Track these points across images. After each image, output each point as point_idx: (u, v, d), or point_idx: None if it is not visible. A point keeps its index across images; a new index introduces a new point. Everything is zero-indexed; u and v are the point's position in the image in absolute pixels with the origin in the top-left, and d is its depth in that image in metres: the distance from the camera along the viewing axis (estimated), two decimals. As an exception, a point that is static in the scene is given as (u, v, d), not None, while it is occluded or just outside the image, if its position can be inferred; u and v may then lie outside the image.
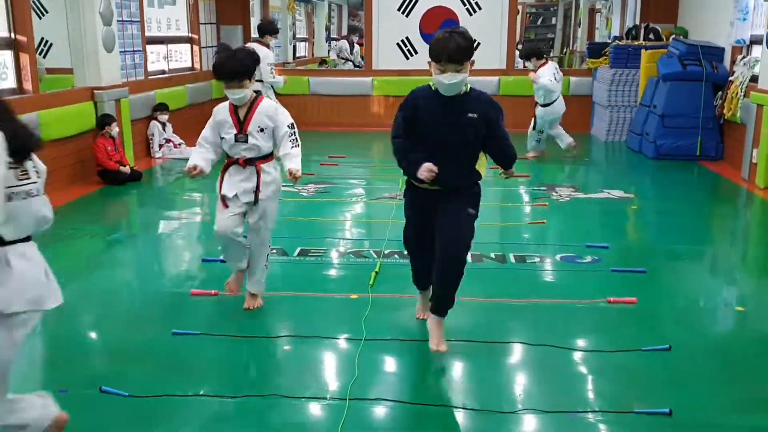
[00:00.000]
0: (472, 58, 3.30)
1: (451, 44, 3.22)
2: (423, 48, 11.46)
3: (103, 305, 4.39)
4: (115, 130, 7.61)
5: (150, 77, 9.35)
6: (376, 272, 4.73)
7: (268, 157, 3.98)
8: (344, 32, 20.34)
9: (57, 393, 3.17)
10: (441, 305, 3.53)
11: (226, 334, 3.80)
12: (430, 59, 3.30)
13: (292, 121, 3.98)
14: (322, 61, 16.98)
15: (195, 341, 3.75)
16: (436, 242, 3.44)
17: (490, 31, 11.40)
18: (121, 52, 8.31)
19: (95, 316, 4.25)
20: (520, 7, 12.24)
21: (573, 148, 9.05)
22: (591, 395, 3.24)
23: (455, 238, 3.40)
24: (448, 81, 3.26)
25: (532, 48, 9.07)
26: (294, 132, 3.95)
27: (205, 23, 11.07)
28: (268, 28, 9.04)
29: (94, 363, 3.59)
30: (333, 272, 4.94)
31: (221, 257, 5.06)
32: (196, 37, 10.83)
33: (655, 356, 3.60)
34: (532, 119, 8.96)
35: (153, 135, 9.07)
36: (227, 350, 3.67)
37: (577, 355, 3.61)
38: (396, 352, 3.65)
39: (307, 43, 18.00)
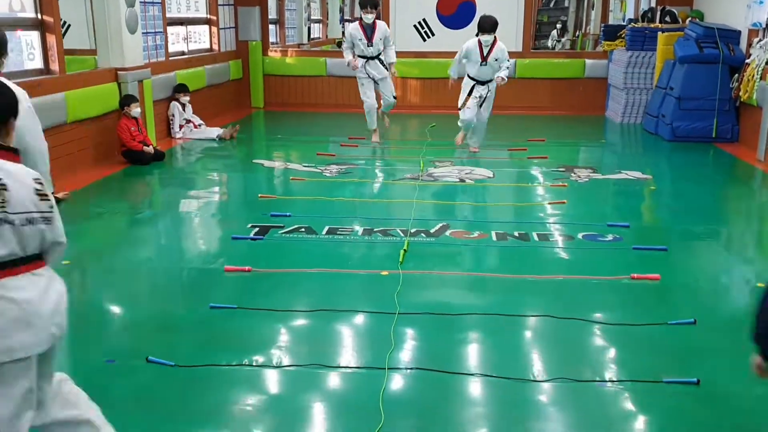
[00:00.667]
0: None
1: None
2: (440, 30, 11.50)
3: (139, 281, 4.53)
4: (135, 110, 7.67)
5: (170, 58, 9.44)
6: (404, 250, 4.84)
7: (29, 262, 2.16)
8: (357, 14, 20.30)
9: (104, 363, 3.34)
10: None
11: (263, 308, 3.92)
12: None
13: (36, 174, 2.24)
14: (339, 43, 16.95)
15: (233, 315, 3.87)
16: None
17: (506, 14, 11.37)
18: (143, 33, 8.39)
19: (131, 291, 4.38)
20: (534, -11, 12.23)
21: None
22: (621, 366, 3.34)
23: None
24: None
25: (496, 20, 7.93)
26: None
27: (223, 4, 11.14)
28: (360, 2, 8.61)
29: (138, 335, 3.70)
30: (362, 250, 5.05)
31: (251, 235, 5.20)
32: (214, 18, 10.90)
33: (680, 329, 3.70)
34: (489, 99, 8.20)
35: (173, 116, 9.18)
36: (265, 324, 3.79)
37: (605, 329, 3.72)
38: (430, 324, 3.77)
39: (321, 25, 18.02)
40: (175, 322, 3.87)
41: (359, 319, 3.86)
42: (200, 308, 3.97)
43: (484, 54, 7.87)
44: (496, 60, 7.87)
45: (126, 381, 3.22)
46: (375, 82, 8.66)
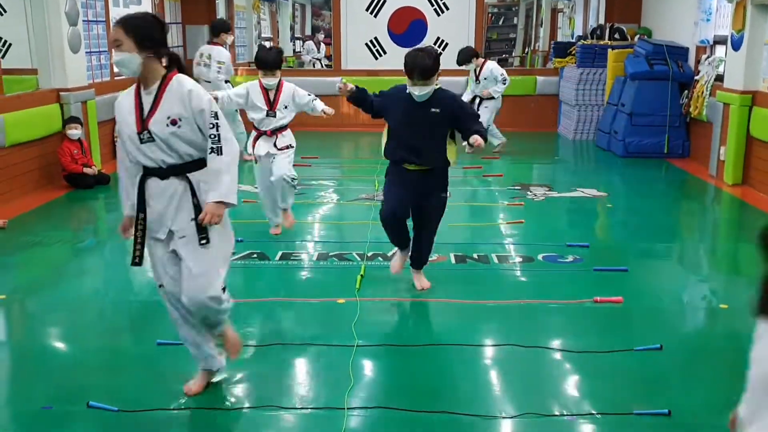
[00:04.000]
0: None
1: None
2: (391, 48, 11.44)
3: (81, 315, 4.26)
4: (72, 131, 7.33)
5: (116, 78, 9.14)
6: (361, 275, 4.68)
7: None
8: (308, 32, 20.17)
9: (41, 410, 3.09)
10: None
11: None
12: None
13: None
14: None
15: (181, 351, 3.63)
16: None
17: (457, 31, 11.42)
18: (86, 52, 8.10)
19: (73, 327, 4.12)
20: (483, 7, 12.27)
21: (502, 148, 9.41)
22: (590, 398, 3.22)
23: None
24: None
25: (470, 50, 9.23)
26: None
27: (170, 23, 10.87)
28: (221, 26, 8.99)
29: (78, 377, 3.45)
30: (317, 276, 4.86)
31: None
32: (161, 37, 10.62)
33: (647, 356, 3.61)
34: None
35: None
36: (216, 360, 3.57)
37: (571, 357, 3.60)
38: (390, 357, 3.61)
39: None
40: (119, 360, 3.64)
41: (316, 353, 3.66)
42: (146, 344, 3.74)
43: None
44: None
45: (65, 431, 2.98)
46: None
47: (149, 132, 2.89)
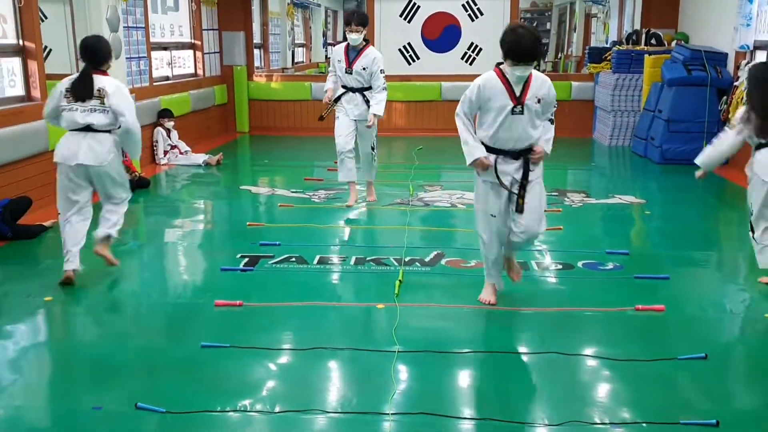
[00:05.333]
0: None
1: None
2: (425, 53, 11.46)
3: (125, 318, 4.34)
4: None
5: (155, 83, 9.28)
6: (399, 281, 4.69)
7: None
8: (339, 38, 20.29)
9: (90, 410, 3.14)
10: None
11: (256, 347, 3.75)
12: None
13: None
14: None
15: (225, 354, 3.69)
16: None
17: (491, 37, 11.36)
18: (126, 58, 8.24)
19: (117, 329, 4.19)
20: (517, 12, 12.23)
21: None
22: (635, 407, 3.19)
23: None
24: None
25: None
26: None
27: (207, 29, 11.01)
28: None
29: (125, 378, 3.50)
30: (355, 281, 4.88)
31: (241, 266, 5.03)
32: (198, 43, 10.77)
33: (691, 365, 3.57)
34: None
35: (157, 141, 9.00)
36: (259, 363, 3.61)
37: (614, 365, 3.58)
38: (431, 364, 3.60)
39: (304, 49, 17.96)
40: (164, 362, 3.69)
41: (357, 358, 3.68)
42: (191, 347, 3.78)
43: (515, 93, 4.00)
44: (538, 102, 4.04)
45: (114, 431, 3.03)
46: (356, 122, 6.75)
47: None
